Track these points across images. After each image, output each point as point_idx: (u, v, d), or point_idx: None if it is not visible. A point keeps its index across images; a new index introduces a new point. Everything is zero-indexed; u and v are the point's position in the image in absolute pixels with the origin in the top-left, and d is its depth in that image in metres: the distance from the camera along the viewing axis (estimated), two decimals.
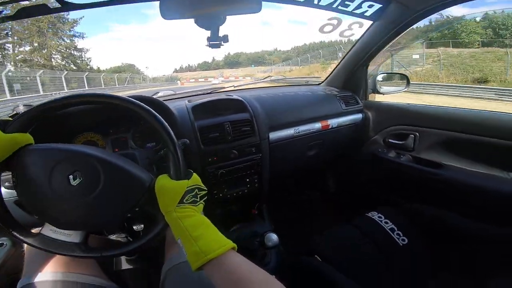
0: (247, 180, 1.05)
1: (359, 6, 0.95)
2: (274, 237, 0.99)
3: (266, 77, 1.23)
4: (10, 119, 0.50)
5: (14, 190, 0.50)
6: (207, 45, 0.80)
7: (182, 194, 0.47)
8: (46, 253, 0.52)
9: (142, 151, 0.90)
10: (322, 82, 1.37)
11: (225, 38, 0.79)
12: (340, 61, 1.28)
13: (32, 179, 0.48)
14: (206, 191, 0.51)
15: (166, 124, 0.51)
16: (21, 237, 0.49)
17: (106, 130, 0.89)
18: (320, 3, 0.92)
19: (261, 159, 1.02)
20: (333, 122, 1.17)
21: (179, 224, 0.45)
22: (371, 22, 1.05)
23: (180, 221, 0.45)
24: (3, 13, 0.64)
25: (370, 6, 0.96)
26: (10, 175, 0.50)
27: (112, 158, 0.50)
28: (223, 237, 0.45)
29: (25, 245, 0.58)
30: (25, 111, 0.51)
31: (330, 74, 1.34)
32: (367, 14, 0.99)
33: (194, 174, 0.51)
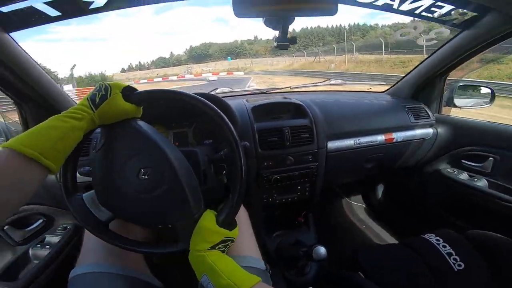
0: (299, 187, 1.02)
1: (447, 14, 0.84)
2: (322, 250, 0.95)
3: (325, 81, 1.16)
4: (132, 87, 0.51)
5: (89, 176, 0.54)
6: (274, 46, 0.78)
7: (218, 242, 0.47)
8: (102, 243, 0.52)
9: (202, 148, 0.93)
10: (388, 89, 1.25)
11: (293, 40, 0.76)
12: (414, 69, 1.14)
13: (111, 159, 0.50)
14: (232, 239, 0.51)
15: (236, 135, 0.50)
16: (95, 232, 0.51)
17: (170, 123, 0.94)
18: (400, 8, 0.83)
19: (317, 168, 0.97)
20: (399, 135, 1.06)
21: (205, 260, 0.45)
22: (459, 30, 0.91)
23: (206, 257, 0.45)
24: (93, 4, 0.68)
25: (462, 14, 0.84)
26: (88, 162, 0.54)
27: (181, 171, 0.49)
28: (247, 272, 0.45)
29: (85, 233, 0.61)
30: (148, 90, 0.52)
31: (399, 81, 1.22)
32: (456, 22, 0.87)
33: (237, 226, 0.52)
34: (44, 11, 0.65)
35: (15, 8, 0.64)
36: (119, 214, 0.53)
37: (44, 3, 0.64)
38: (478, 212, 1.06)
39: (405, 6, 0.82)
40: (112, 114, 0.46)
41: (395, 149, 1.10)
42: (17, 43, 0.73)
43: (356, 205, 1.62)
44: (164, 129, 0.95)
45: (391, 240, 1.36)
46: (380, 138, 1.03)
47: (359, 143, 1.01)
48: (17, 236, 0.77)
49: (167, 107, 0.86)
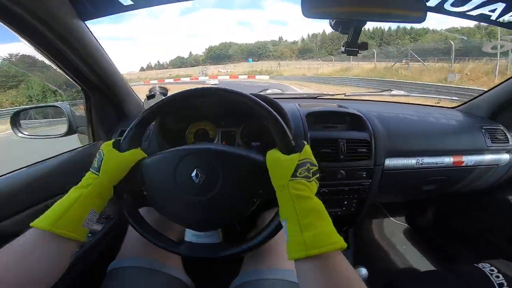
0: (345, 202, 0.95)
1: None
2: (364, 272, 0.88)
3: (385, 90, 1.06)
4: (119, 138, 0.53)
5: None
6: (342, 51, 0.73)
7: (294, 168, 0.42)
8: (143, 239, 0.52)
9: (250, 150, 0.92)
10: (460, 105, 1.10)
11: (365, 45, 0.69)
12: (497, 86, 0.98)
13: (157, 185, 0.50)
14: (318, 168, 0.45)
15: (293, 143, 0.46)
16: (171, 249, 0.51)
17: (219, 121, 0.93)
18: (499, 20, 0.71)
19: (370, 186, 0.89)
20: (470, 159, 0.93)
21: (290, 205, 0.40)
22: None
23: (293, 201, 0.40)
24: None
25: None
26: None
27: (224, 148, 0.50)
28: (334, 232, 0.38)
29: (129, 226, 0.60)
30: (133, 124, 0.52)
31: (475, 98, 1.06)
32: None
33: (306, 145, 0.46)
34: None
35: None
36: (207, 227, 0.52)
37: None
38: None
39: (507, 18, 0.70)
40: (115, 169, 0.47)
41: (463, 173, 0.96)
42: (91, 32, 0.73)
43: (398, 224, 1.50)
44: (213, 127, 0.95)
45: (433, 265, 1.24)
46: (448, 160, 0.91)
47: (421, 164, 0.89)
48: None
49: (219, 105, 0.85)
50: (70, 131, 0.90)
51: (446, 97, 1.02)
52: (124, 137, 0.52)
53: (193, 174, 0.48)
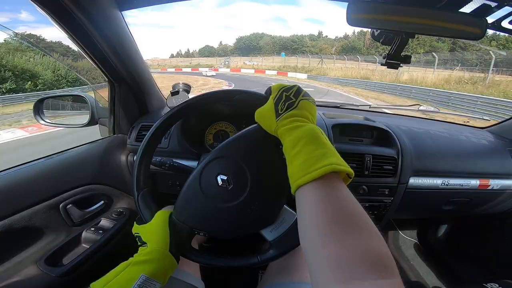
0: None
1: None
2: None
3: (413, 105, 1.02)
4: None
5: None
6: (382, 63, 0.69)
7: (273, 109, 0.42)
8: None
9: None
10: (490, 126, 1.06)
11: (408, 59, 0.66)
12: None
13: (206, 218, 0.49)
14: (296, 86, 0.44)
15: None
16: (265, 259, 0.49)
17: (240, 122, 0.92)
18: None
19: (391, 203, 0.87)
20: (496, 183, 0.90)
21: (283, 143, 0.40)
22: None
23: (284, 138, 0.39)
24: None
25: None
26: None
27: (223, 143, 0.50)
28: (326, 155, 0.34)
29: None
30: (135, 192, 0.52)
31: (507, 120, 1.02)
32: None
33: (272, 84, 0.47)
34: None
35: None
36: (240, 232, 0.51)
37: None
38: None
39: None
40: (156, 234, 0.47)
41: (487, 196, 0.93)
42: (126, 23, 0.72)
43: (407, 240, 1.48)
44: (233, 128, 0.94)
45: (440, 283, 1.23)
46: (474, 182, 0.88)
47: (447, 185, 0.86)
48: (76, 216, 0.74)
49: (239, 106, 0.85)
50: (92, 121, 0.90)
51: (477, 117, 0.98)
52: (140, 209, 0.52)
53: (220, 183, 0.47)
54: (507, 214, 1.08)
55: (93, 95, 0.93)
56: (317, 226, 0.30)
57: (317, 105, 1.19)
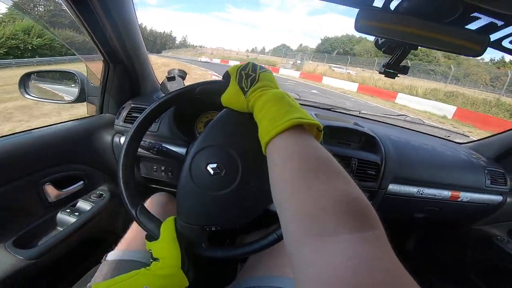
0: None
1: None
2: None
3: (401, 115, 1.06)
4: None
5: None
6: (380, 71, 0.71)
7: (238, 88, 0.43)
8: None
9: None
10: (470, 142, 1.12)
11: (406, 69, 0.68)
12: (508, 130, 1.00)
13: (203, 209, 0.48)
14: (250, 63, 0.45)
15: None
16: (267, 243, 0.49)
17: None
18: None
19: None
20: (466, 196, 0.96)
21: (253, 111, 0.40)
22: None
23: (253, 107, 0.40)
24: None
25: None
26: None
27: (204, 132, 0.49)
28: (291, 111, 0.34)
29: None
30: (129, 207, 0.50)
31: (486, 138, 1.08)
32: None
33: (230, 67, 0.47)
34: None
35: None
36: (237, 221, 0.50)
37: None
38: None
39: None
40: (165, 251, 0.46)
41: (455, 207, 1.00)
42: (134, 6, 0.70)
43: None
44: None
45: None
46: (446, 193, 0.93)
47: (421, 194, 0.91)
48: (52, 196, 0.71)
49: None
50: (80, 98, 0.86)
51: (458, 132, 1.03)
52: (142, 224, 0.50)
53: (211, 172, 0.47)
54: (471, 225, 1.17)
55: (84, 72, 0.89)
56: (285, 177, 0.29)
57: (310, 106, 1.20)
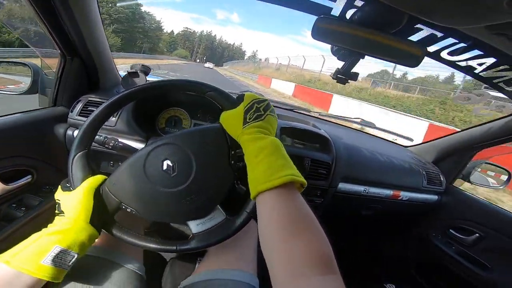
0: None
1: None
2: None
3: (356, 118, 1.13)
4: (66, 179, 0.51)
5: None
6: (333, 77, 0.75)
7: (242, 116, 0.46)
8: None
9: None
10: (413, 146, 1.23)
11: (355, 76, 0.72)
12: (448, 135, 1.12)
13: (134, 196, 0.49)
14: (267, 100, 0.49)
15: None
16: (185, 247, 0.51)
17: (195, 111, 0.92)
18: (480, 74, 0.75)
19: (321, 204, 0.98)
20: (406, 195, 1.07)
21: (246, 149, 0.43)
22: None
23: (247, 146, 0.43)
24: None
25: None
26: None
27: (178, 132, 0.52)
28: (285, 166, 0.39)
29: None
30: (71, 153, 0.49)
31: (427, 142, 1.19)
32: None
33: (246, 93, 0.50)
34: None
35: None
36: (177, 220, 0.54)
37: None
38: (442, 275, 1.17)
39: (487, 74, 0.74)
40: (77, 206, 0.45)
41: (397, 206, 1.11)
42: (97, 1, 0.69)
43: (336, 241, 1.65)
44: (187, 115, 0.93)
45: (347, 282, 1.42)
46: (388, 192, 1.03)
47: (367, 192, 1.00)
48: None
49: (196, 96, 0.84)
50: (32, 90, 0.82)
51: (404, 136, 1.13)
52: (69, 172, 0.49)
53: (165, 167, 0.48)
54: (411, 224, 1.29)
55: (38, 63, 0.85)
56: (275, 228, 0.35)
57: (273, 106, 1.22)
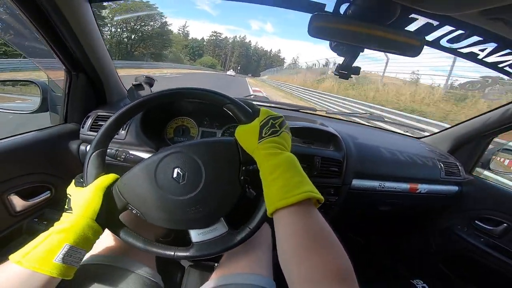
0: None
1: None
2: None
3: (364, 113, 1.13)
4: (80, 174, 0.53)
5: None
6: (335, 73, 0.76)
7: (258, 131, 0.47)
8: (114, 236, 0.53)
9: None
10: (426, 136, 1.21)
11: (357, 70, 0.72)
12: (461, 123, 1.10)
13: (142, 199, 0.50)
14: (282, 117, 0.50)
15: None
16: (182, 255, 0.51)
17: (201, 119, 0.94)
18: (485, 59, 0.74)
19: (335, 202, 0.97)
20: (424, 187, 1.04)
21: (261, 164, 0.44)
22: None
23: (262, 161, 0.44)
24: None
25: None
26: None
27: (194, 141, 0.54)
28: (302, 183, 0.40)
29: None
30: (89, 151, 0.51)
31: (440, 131, 1.17)
32: None
33: (262, 108, 0.51)
34: None
35: None
36: (179, 226, 0.53)
37: None
38: (472, 268, 1.13)
39: (491, 59, 0.73)
40: (87, 204, 0.46)
41: (415, 199, 1.08)
42: (94, 14, 0.71)
43: (355, 239, 1.62)
44: (195, 124, 0.95)
45: (374, 280, 1.34)
46: (405, 186, 1.01)
47: (382, 187, 0.98)
48: (18, 207, 0.71)
49: (201, 104, 0.87)
50: (42, 108, 0.85)
51: (415, 127, 1.12)
52: (85, 168, 0.51)
53: (175, 175, 0.50)
54: (434, 216, 1.25)
55: (46, 81, 0.88)
56: (293, 244, 0.36)
57: (279, 107, 1.25)
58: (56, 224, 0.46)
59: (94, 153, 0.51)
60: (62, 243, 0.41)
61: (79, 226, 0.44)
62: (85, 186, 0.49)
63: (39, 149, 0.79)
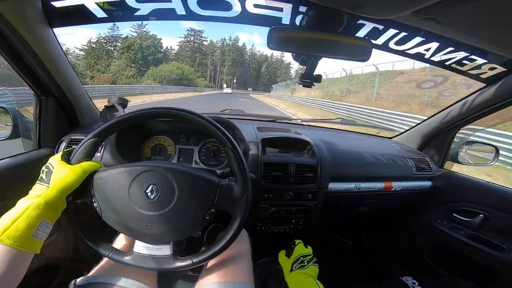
0: (293, 220, 1.02)
1: (477, 67, 0.83)
2: None
3: (336, 119, 1.17)
4: (68, 149, 0.54)
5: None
6: (298, 82, 0.79)
7: (289, 266, 0.70)
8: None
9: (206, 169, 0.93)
10: (396, 136, 1.26)
11: (318, 78, 0.76)
12: (426, 120, 1.15)
13: (110, 199, 0.52)
14: (312, 256, 0.70)
15: (247, 169, 0.54)
16: (117, 258, 0.53)
17: (178, 137, 0.95)
18: (431, 58, 0.81)
19: (314, 206, 0.98)
20: (398, 185, 1.07)
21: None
22: (484, 84, 0.91)
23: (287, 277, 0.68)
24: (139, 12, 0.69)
25: (491, 69, 0.83)
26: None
27: (181, 167, 0.54)
28: None
29: None
30: (88, 136, 0.53)
31: (408, 130, 1.22)
32: (483, 76, 0.87)
33: (296, 247, 0.76)
34: (93, 11, 0.66)
35: (66, 5, 0.65)
36: (161, 240, 0.54)
37: (96, 3, 0.65)
38: (459, 262, 1.13)
39: (437, 57, 0.80)
40: (65, 182, 0.47)
41: (391, 197, 1.10)
42: (57, 39, 0.73)
43: (343, 242, 1.62)
44: (172, 143, 0.95)
45: (364, 279, 1.38)
46: (380, 185, 1.04)
47: (358, 188, 1.01)
48: None
49: (177, 122, 0.86)
50: (14, 134, 0.84)
51: (386, 127, 1.16)
52: (77, 149, 0.53)
53: (148, 190, 0.51)
54: (413, 213, 1.27)
55: (15, 106, 0.88)
56: None
57: (254, 119, 1.26)
58: (31, 193, 0.46)
59: (91, 139, 0.53)
60: (40, 219, 0.42)
61: (54, 202, 0.45)
62: (70, 165, 0.50)
63: (13, 176, 0.78)
